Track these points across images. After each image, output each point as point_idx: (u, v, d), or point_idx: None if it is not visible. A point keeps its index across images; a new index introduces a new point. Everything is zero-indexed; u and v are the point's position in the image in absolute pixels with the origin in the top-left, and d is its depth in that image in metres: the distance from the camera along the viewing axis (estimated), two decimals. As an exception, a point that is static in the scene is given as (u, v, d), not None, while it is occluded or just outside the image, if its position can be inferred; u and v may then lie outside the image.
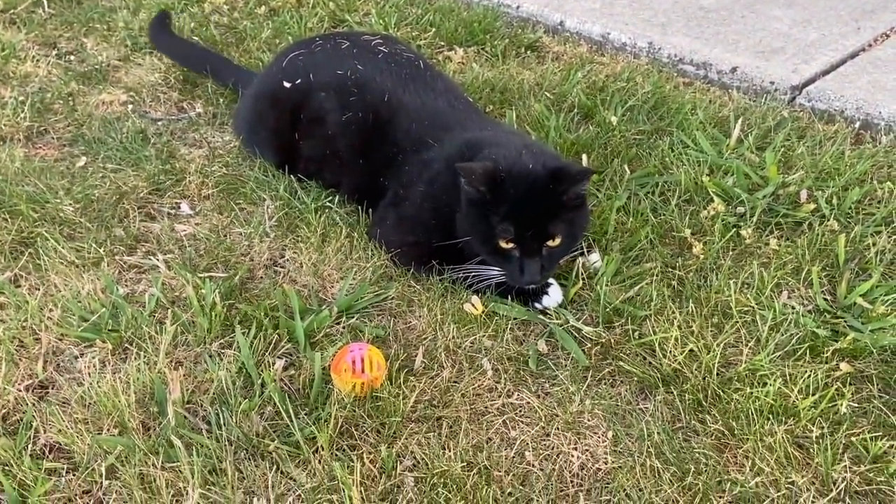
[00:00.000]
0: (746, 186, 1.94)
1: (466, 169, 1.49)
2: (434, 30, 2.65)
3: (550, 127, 2.09)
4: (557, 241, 1.52)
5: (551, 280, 1.63)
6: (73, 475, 1.30)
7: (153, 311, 1.59)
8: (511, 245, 1.52)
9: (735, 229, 1.80)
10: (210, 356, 1.49)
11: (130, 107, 2.29)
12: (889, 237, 1.77)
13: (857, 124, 2.27)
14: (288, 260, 1.76)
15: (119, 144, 2.12)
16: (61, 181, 1.98)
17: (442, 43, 2.62)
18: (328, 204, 1.87)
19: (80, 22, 2.74)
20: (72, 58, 2.56)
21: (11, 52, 2.50)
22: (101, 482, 1.28)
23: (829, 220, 1.83)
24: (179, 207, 1.93)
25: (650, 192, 1.92)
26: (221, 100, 2.32)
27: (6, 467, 1.29)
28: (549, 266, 1.55)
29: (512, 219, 1.50)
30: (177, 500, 1.25)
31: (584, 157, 1.99)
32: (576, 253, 1.69)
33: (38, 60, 2.48)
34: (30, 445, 1.35)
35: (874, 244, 1.75)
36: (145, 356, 1.48)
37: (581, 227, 1.60)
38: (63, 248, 1.74)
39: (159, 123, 2.24)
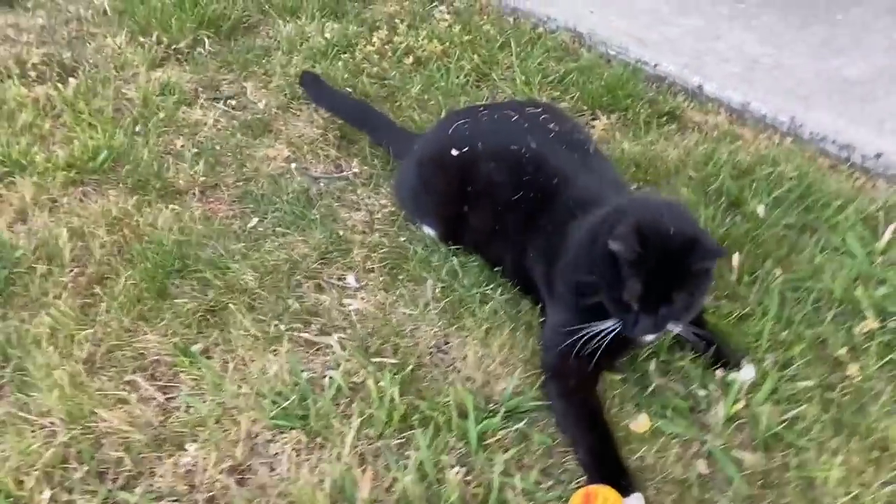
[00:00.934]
0: (896, 299, 1.94)
1: (615, 234, 1.54)
2: (577, 92, 2.67)
3: (700, 219, 2.11)
4: (676, 304, 1.56)
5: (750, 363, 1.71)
6: None
7: (334, 397, 1.68)
8: (633, 300, 1.55)
9: (891, 351, 1.81)
10: (390, 451, 1.58)
11: (294, 165, 2.38)
12: None
13: None
14: (452, 347, 1.83)
15: (286, 205, 2.21)
16: (237, 244, 2.08)
17: (584, 107, 2.65)
18: (489, 292, 1.92)
19: (239, 64, 2.83)
20: (233, 103, 2.66)
21: (181, 98, 2.61)
22: None
23: None
24: (346, 279, 2.02)
25: (802, 300, 1.94)
26: (377, 160, 2.40)
27: None
28: (660, 324, 1.59)
29: (641, 277, 1.53)
30: None
31: (736, 255, 2.01)
32: (730, 367, 1.73)
33: (205, 109, 2.58)
34: (233, 534, 1.46)
35: None
36: (332, 448, 1.57)
37: (700, 297, 1.63)
38: (247, 320, 1.84)
39: (320, 183, 2.33)
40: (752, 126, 2.71)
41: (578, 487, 1.50)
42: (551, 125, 2.02)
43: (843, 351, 1.82)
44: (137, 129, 2.49)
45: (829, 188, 2.34)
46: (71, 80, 2.63)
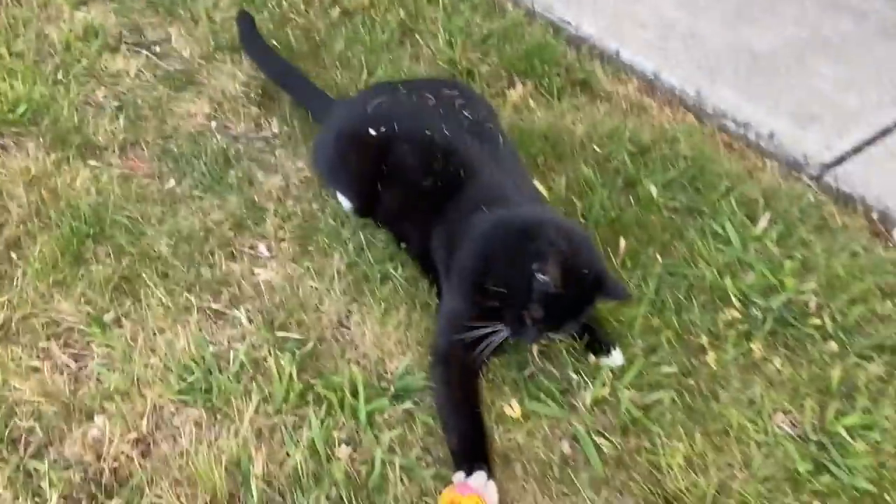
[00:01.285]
0: (764, 288, 2.11)
1: (543, 265, 1.67)
2: (496, 58, 2.74)
3: (595, 201, 2.24)
4: (566, 328, 1.76)
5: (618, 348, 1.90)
6: None
7: (238, 373, 1.81)
8: (529, 319, 1.71)
9: (747, 340, 1.99)
10: (285, 427, 1.72)
11: (214, 123, 2.43)
12: (881, 365, 1.96)
13: (876, 215, 2.41)
14: (353, 323, 1.96)
15: (204, 167, 2.28)
16: (154, 208, 2.15)
17: (503, 72, 2.72)
18: (391, 270, 2.04)
19: (165, 6, 2.82)
20: (157, 49, 2.67)
21: (104, 43, 2.61)
22: None
23: (830, 340, 2.01)
24: (258, 248, 2.12)
25: (677, 286, 2.10)
26: (297, 122, 2.46)
27: None
28: (544, 338, 1.81)
29: (545, 305, 1.69)
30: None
31: (622, 240, 2.15)
32: (601, 353, 1.90)
33: (128, 57, 2.60)
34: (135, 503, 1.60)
35: (864, 372, 1.94)
36: (232, 424, 1.71)
37: (582, 320, 1.80)
38: (160, 290, 1.94)
39: (239, 143, 2.39)
40: (661, 97, 2.82)
41: (447, 483, 1.65)
42: (466, 112, 2.11)
43: (705, 339, 1.99)
44: (59, 76, 2.48)
45: (721, 169, 2.48)
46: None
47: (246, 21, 2.63)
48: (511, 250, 1.74)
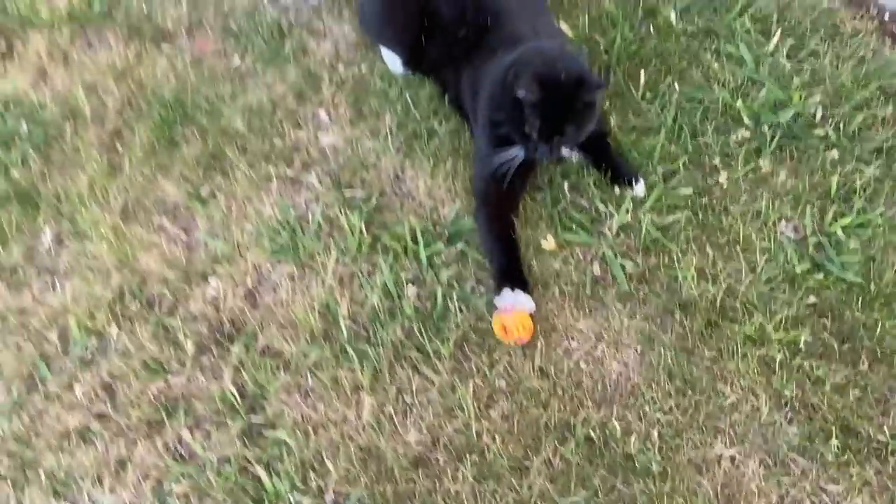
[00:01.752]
0: (773, 104, 2.31)
1: (519, 81, 1.90)
2: None
3: (616, 35, 2.42)
4: (567, 133, 1.96)
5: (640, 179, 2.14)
6: (286, 372, 1.95)
7: (317, 231, 2.14)
8: (533, 132, 1.96)
9: (757, 156, 2.22)
10: (361, 273, 2.07)
11: (264, -7, 2.63)
12: (877, 168, 2.18)
13: (887, 15, 2.53)
14: (407, 177, 2.25)
15: (262, 42, 2.52)
16: (225, 87, 2.43)
17: None
18: (436, 126, 2.30)
19: None
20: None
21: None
22: (308, 378, 1.93)
23: (833, 148, 2.22)
24: (319, 116, 2.39)
25: (692, 112, 2.31)
26: (338, -16, 2.64)
27: (243, 365, 1.93)
28: (556, 150, 1.99)
29: (539, 114, 1.93)
30: (354, 392, 1.90)
31: (642, 72, 2.35)
32: (625, 183, 2.16)
33: (182, -61, 2.77)
34: (252, 346, 1.99)
35: (862, 175, 2.17)
36: (317, 275, 2.07)
37: (588, 125, 1.99)
38: (242, 163, 2.26)
39: (290, 14, 2.61)
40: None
41: (496, 308, 1.98)
42: None
43: (718, 160, 2.22)
44: (123, -34, 2.69)
45: (737, -16, 2.58)
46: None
47: None
48: (503, 81, 1.97)
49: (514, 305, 1.91)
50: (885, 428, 1.79)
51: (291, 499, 1.74)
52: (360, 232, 2.08)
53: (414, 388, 1.86)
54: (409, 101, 2.33)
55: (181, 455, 1.82)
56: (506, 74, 1.96)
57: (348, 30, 2.54)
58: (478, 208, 2.10)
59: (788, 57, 2.39)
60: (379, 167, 2.24)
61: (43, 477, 1.79)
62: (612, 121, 2.26)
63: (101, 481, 1.79)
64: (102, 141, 2.29)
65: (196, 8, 2.60)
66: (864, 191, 2.14)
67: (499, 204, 2.08)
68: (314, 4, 2.61)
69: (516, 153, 2.00)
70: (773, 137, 2.22)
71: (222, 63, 2.48)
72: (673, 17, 2.48)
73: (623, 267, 2.04)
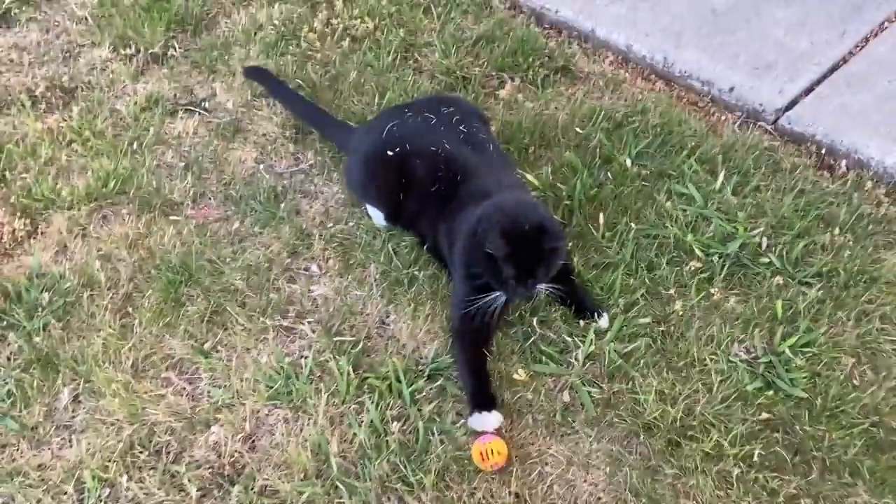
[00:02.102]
0: (722, 236, 2.52)
1: (488, 238, 2.12)
2: (486, 59, 3.15)
3: (577, 183, 2.67)
4: (539, 275, 2.17)
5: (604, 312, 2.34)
6: None
7: (309, 376, 2.34)
8: (509, 278, 2.16)
9: (708, 284, 2.42)
10: (350, 414, 2.25)
11: (262, 166, 2.93)
12: (819, 290, 2.37)
13: (824, 150, 2.77)
14: (392, 322, 2.46)
15: (259, 205, 2.79)
16: (226, 249, 2.67)
17: (493, 72, 3.14)
18: (416, 273, 2.53)
19: (206, 65, 3.31)
20: (207, 105, 3.17)
21: (164, 109, 3.13)
22: None
23: (777, 274, 2.41)
24: (310, 269, 2.62)
25: (648, 247, 2.52)
26: (326, 150, 2.93)
27: None
28: (531, 289, 2.21)
29: (512, 264, 2.14)
30: (345, 526, 2.04)
31: (601, 215, 2.58)
32: (590, 317, 2.35)
33: (184, 119, 3.11)
34: (251, 487, 2.16)
35: (805, 298, 2.35)
36: (310, 417, 2.25)
37: (555, 265, 2.20)
38: (241, 318, 2.47)
39: (284, 179, 2.89)
40: (634, 69, 3.17)
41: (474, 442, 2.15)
42: (461, 126, 2.53)
43: (673, 290, 2.42)
44: (134, 147, 3.01)
45: (687, 130, 2.86)
46: (73, 106, 3.13)
47: (259, 74, 3.10)
48: (473, 236, 2.20)
49: (489, 435, 2.08)
50: (837, 534, 1.90)
51: None
52: (348, 374, 2.27)
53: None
54: (392, 251, 2.56)
55: None
56: (475, 230, 2.19)
57: (336, 189, 2.80)
58: (454, 343, 2.31)
59: (734, 193, 2.62)
60: (365, 313, 2.46)
61: None
62: (576, 258, 2.46)
63: None
64: (115, 305, 2.52)
65: (200, 179, 2.88)
66: (808, 311, 2.32)
67: (474, 339, 2.28)
68: (304, 169, 2.88)
69: (496, 296, 2.20)
70: (722, 267, 2.43)
71: (223, 227, 2.74)
72: (628, 162, 2.73)
73: (590, 394, 2.21)
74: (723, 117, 2.95)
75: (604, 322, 2.32)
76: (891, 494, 1.96)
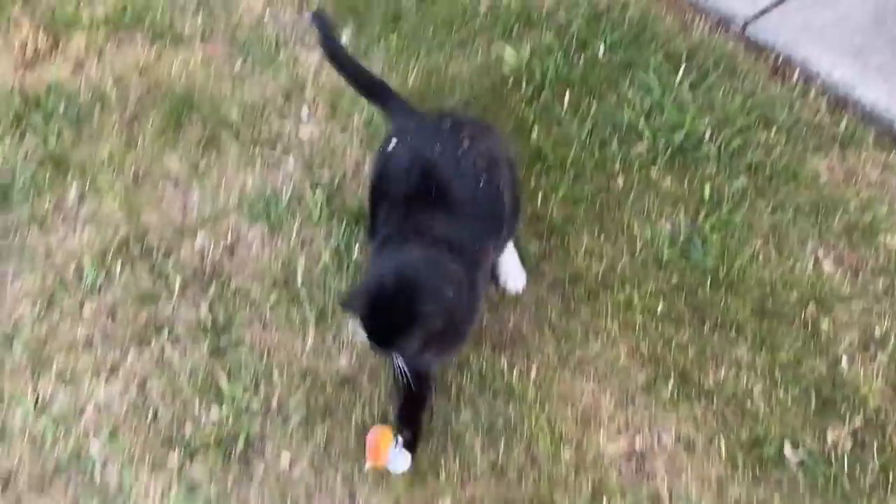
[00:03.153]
0: (671, 126, 2.79)
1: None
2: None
3: (550, 63, 2.92)
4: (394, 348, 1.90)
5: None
6: (250, 308, 2.44)
7: (288, 202, 2.64)
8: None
9: (650, 166, 2.69)
10: (320, 237, 2.56)
11: (268, 14, 3.16)
12: (744, 181, 2.65)
13: (780, 60, 3.00)
14: (367, 164, 2.75)
15: (261, 50, 3.05)
16: (227, 84, 2.95)
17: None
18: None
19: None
20: (224, -49, 3.37)
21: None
22: (267, 313, 2.42)
23: (713, 162, 2.69)
24: (301, 112, 2.90)
25: (604, 127, 2.79)
26: (328, 5, 3.16)
27: (217, 300, 2.42)
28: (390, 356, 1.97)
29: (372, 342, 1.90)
30: (301, 326, 2.39)
31: (567, 93, 2.85)
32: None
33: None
34: (227, 286, 2.49)
35: (731, 186, 2.64)
36: (284, 236, 2.56)
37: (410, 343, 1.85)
38: (234, 146, 2.77)
39: (287, 29, 3.13)
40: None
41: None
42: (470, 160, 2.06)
43: (618, 166, 2.70)
44: (152, -17, 3.24)
45: (660, 27, 3.08)
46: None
47: (322, 22, 2.49)
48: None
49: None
50: (713, 377, 2.24)
51: (244, 400, 2.21)
52: (322, 205, 2.57)
53: (350, 327, 2.33)
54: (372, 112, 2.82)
55: (164, 363, 2.30)
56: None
57: (334, 44, 3.04)
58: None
59: (691, 88, 2.86)
60: (345, 156, 2.74)
61: (55, 369, 2.27)
62: (537, 128, 2.73)
63: (98, 377, 2.27)
64: (123, 121, 2.80)
65: (210, 19, 3.12)
66: (733, 198, 2.59)
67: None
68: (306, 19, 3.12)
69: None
70: (666, 151, 2.69)
71: (227, 66, 2.99)
72: (601, 50, 2.96)
73: (527, 249, 2.50)
74: (696, 20, 3.15)
75: (512, 284, 2.38)
76: (766, 351, 2.27)
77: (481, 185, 2.04)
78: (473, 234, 2.03)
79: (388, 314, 1.78)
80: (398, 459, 2.01)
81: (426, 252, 1.93)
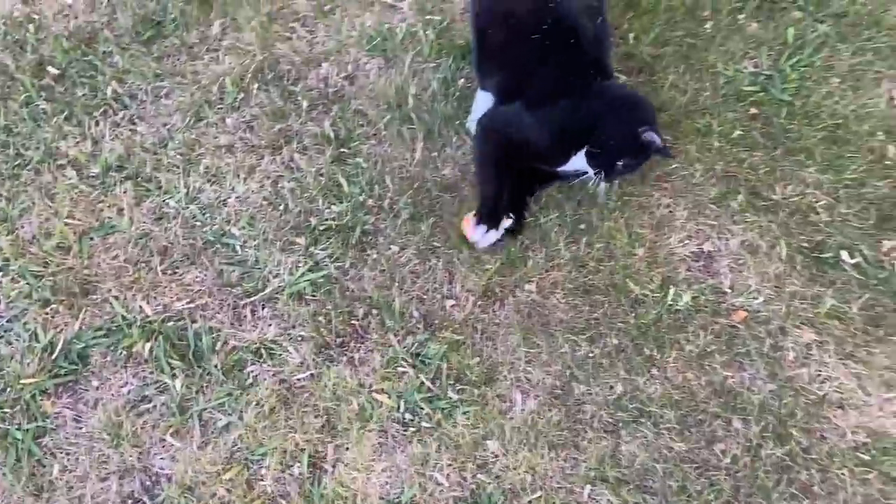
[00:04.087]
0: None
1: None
2: None
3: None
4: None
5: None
6: (367, 125, 2.79)
7: (403, 37, 2.95)
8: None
9: (739, 13, 2.88)
10: (429, 69, 2.87)
11: None
12: (827, 27, 2.82)
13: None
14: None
15: None
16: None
17: None
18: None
19: None
20: None
21: None
22: (382, 129, 2.76)
23: (798, 11, 2.86)
24: (416, -37, 3.18)
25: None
26: None
27: (339, 118, 2.78)
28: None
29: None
30: (412, 141, 2.71)
31: None
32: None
33: None
34: (347, 108, 2.83)
35: (815, 31, 2.81)
36: (400, 68, 2.88)
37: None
38: None
39: None
40: None
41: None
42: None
43: (707, 12, 2.90)
44: None
45: None
46: None
47: None
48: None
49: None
50: (780, 193, 2.47)
51: (360, 199, 2.56)
52: (433, 41, 2.86)
53: (454, 143, 2.64)
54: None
55: (293, 167, 2.66)
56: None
57: None
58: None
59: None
60: (454, 0, 3.01)
61: (201, 169, 2.67)
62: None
63: (238, 176, 2.65)
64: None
65: None
66: (815, 41, 2.77)
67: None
68: None
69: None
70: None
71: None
72: None
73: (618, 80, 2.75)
74: None
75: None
76: (832, 172, 2.48)
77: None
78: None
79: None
80: (479, 234, 2.35)
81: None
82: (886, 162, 2.47)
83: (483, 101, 2.56)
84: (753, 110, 2.62)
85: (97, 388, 2.23)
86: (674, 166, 2.51)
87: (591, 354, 2.21)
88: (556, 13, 2.29)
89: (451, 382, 2.19)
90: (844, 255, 2.31)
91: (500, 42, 2.40)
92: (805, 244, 2.35)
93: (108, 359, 2.27)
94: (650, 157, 2.26)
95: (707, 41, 2.78)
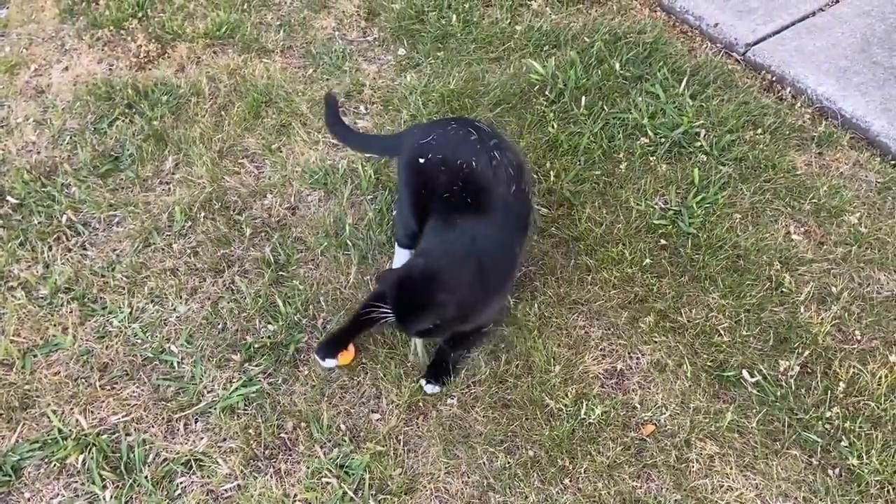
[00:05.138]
0: (671, 125, 3.26)
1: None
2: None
3: (571, 74, 3.43)
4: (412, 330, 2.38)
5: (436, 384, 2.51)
6: (306, 252, 2.97)
7: (343, 174, 3.18)
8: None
9: (650, 156, 3.16)
10: (368, 202, 3.09)
11: (337, 34, 3.77)
12: (730, 169, 3.10)
13: (774, 78, 3.47)
14: (411, 149, 3.27)
15: (330, 61, 3.64)
16: (299, 86, 3.53)
17: (532, -13, 3.90)
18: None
19: (310, -45, 4.16)
20: (304, -16, 4.02)
21: (271, -17, 3.99)
22: (319, 255, 2.94)
23: (704, 154, 3.15)
24: (359, 108, 3.47)
25: (613, 126, 3.28)
26: (389, 29, 3.75)
27: (279, 245, 2.97)
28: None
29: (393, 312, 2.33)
30: (347, 266, 2.89)
31: (584, 98, 3.35)
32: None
33: (285, -9, 3.97)
34: (288, 236, 3.02)
35: (718, 172, 3.09)
36: (338, 199, 3.10)
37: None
38: (302, 132, 3.33)
39: (352, 45, 3.73)
40: (643, 1, 3.90)
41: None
42: (496, 153, 2.46)
43: (622, 155, 3.18)
44: (244, 6, 3.89)
45: (671, 50, 3.58)
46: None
47: (332, 103, 2.98)
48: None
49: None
50: (686, 316, 2.66)
51: (295, 318, 2.71)
52: (370, 176, 3.10)
53: (386, 267, 2.82)
54: (421, 104, 3.38)
55: (232, 289, 2.83)
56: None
57: (389, 57, 3.63)
58: None
59: (691, 97, 3.34)
60: (392, 142, 3.26)
61: (146, 291, 2.82)
62: (555, 124, 3.23)
63: (180, 297, 2.80)
64: (213, 110, 3.40)
65: (290, 37, 3.74)
66: (719, 181, 3.04)
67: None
68: (369, 40, 3.72)
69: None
70: (665, 144, 3.17)
71: (300, 72, 3.59)
72: (616, 65, 3.47)
73: (539, 213, 2.99)
74: (703, 45, 3.64)
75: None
76: (734, 298, 2.69)
77: (513, 189, 2.43)
78: (506, 232, 2.43)
79: (411, 298, 2.20)
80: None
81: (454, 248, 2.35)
82: (783, 290, 2.67)
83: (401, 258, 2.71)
84: (663, 241, 2.83)
85: (28, 500, 2.27)
86: (590, 292, 2.69)
87: (507, 465, 2.31)
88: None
89: (374, 493, 2.26)
90: (745, 373, 2.47)
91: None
92: (709, 363, 2.50)
93: (42, 471, 2.32)
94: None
95: (621, 179, 3.03)
